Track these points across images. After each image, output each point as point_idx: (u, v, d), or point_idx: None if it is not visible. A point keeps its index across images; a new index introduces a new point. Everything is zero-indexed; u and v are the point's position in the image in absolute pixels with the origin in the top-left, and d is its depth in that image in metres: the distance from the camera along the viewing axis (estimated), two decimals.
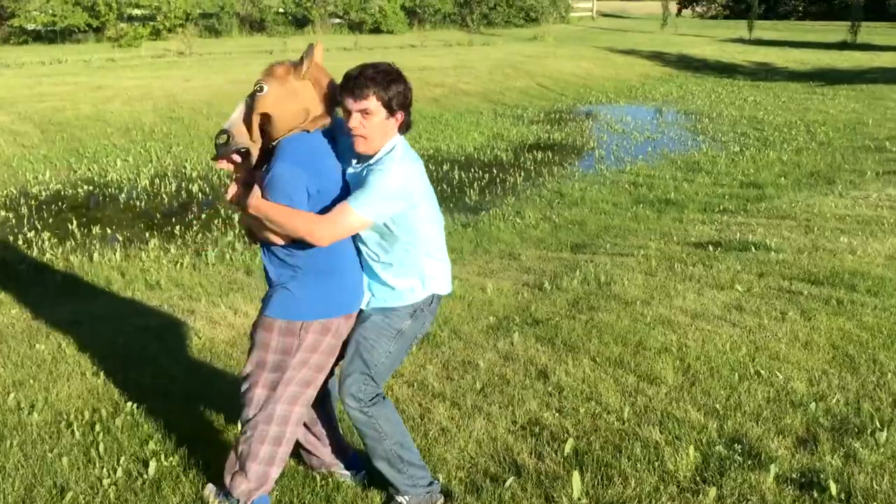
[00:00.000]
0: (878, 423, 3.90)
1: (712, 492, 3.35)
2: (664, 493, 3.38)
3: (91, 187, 11.21)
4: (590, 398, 4.25)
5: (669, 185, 11.17)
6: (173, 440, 3.90)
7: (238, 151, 3.04)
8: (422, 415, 4.14)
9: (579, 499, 3.35)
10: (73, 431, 4.03)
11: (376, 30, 33.54)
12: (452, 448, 3.80)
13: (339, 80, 3.06)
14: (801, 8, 50.08)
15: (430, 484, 3.33)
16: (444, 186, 11.15)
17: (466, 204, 10.51)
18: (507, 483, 3.47)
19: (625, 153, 13.85)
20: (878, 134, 14.86)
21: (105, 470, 3.66)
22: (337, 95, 3.03)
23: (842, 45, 32.10)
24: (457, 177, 11.77)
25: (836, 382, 4.38)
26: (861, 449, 3.66)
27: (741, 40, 34.19)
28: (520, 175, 11.97)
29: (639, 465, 3.59)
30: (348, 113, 2.99)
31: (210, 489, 3.42)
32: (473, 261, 7.64)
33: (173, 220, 9.66)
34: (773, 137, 14.96)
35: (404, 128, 3.12)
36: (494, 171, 12.26)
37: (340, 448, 3.55)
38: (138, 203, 10.50)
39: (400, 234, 3.10)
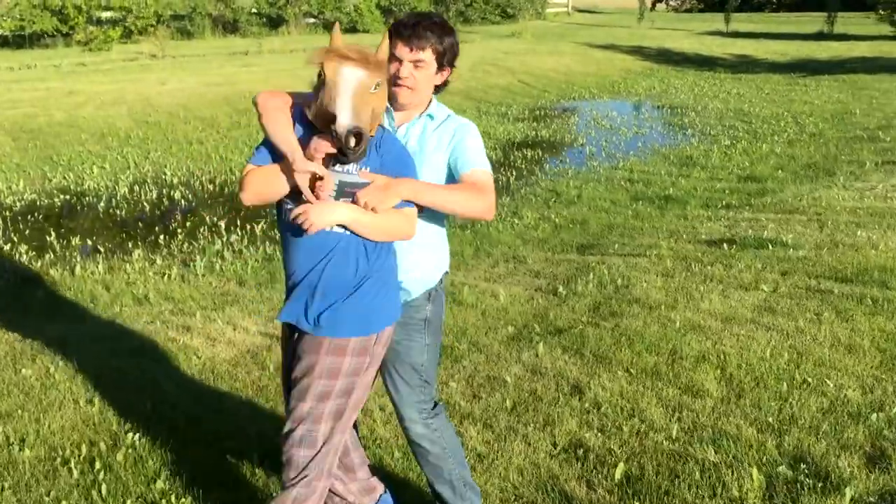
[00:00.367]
0: None
1: None
2: None
3: (68, 196, 10.75)
4: (632, 415, 3.94)
5: (666, 180, 10.92)
6: (183, 478, 3.54)
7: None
8: None
9: None
10: (70, 469, 3.66)
11: (352, 29, 33.13)
12: (492, 477, 3.47)
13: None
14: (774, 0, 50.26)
15: None
16: None
17: None
18: None
19: (615, 149, 13.59)
20: (867, 124, 14.72)
21: None
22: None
23: (819, 36, 32.18)
24: None
25: (891, 389, 4.10)
26: None
27: (719, 33, 34.19)
28: (511, 174, 11.65)
29: (700, 491, 3.28)
30: (398, 61, 2.73)
31: None
32: (477, 265, 7.32)
33: (156, 228, 9.25)
34: (763, 130, 14.78)
35: (442, 86, 2.89)
36: None
37: (369, 487, 3.07)
38: (118, 212, 10.06)
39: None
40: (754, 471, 3.34)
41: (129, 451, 3.80)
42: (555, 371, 4.49)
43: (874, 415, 3.82)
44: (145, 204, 10.35)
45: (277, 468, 3.59)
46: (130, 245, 8.56)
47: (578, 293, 5.92)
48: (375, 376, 2.84)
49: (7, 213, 9.86)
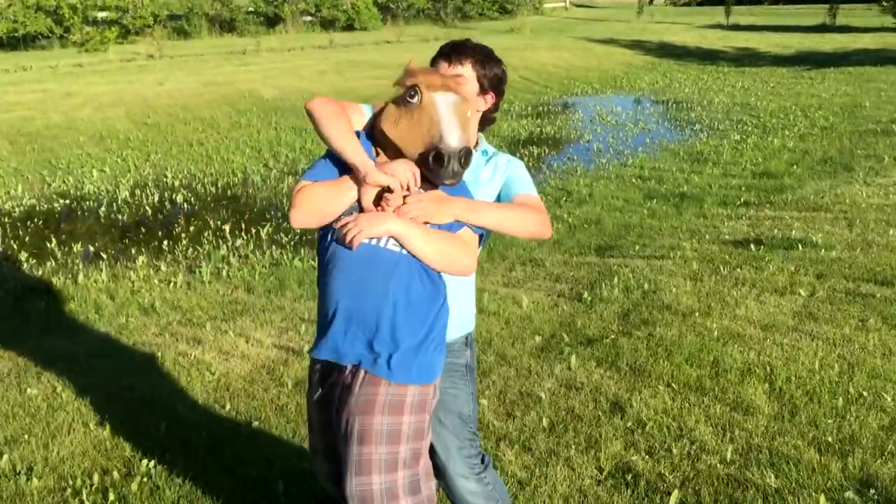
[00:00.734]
0: None
1: None
2: None
3: (68, 201, 10.48)
4: (680, 435, 3.70)
5: (678, 177, 10.67)
6: None
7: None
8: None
9: None
10: (81, 501, 3.41)
11: (349, 27, 32.84)
12: None
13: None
14: None
15: None
16: None
17: None
18: None
19: (622, 145, 13.35)
20: (880, 117, 14.49)
21: None
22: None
23: (821, 28, 31.95)
24: None
25: None
26: None
27: (720, 26, 33.94)
28: None
29: None
30: None
31: None
32: (493, 269, 7.07)
33: (160, 233, 8.99)
34: (772, 124, 14.54)
35: (488, 122, 2.73)
36: None
37: None
38: (120, 216, 9.80)
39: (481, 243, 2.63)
40: (822, 498, 3.10)
41: (145, 479, 3.56)
42: (591, 386, 4.25)
43: None
44: (147, 208, 10.09)
45: (304, 499, 3.37)
46: (133, 251, 8.31)
47: (605, 299, 5.68)
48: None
49: (6, 220, 9.60)
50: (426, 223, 2.29)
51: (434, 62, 2.66)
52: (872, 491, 3.18)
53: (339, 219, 2.30)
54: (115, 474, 3.61)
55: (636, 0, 39.98)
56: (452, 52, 2.64)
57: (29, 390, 4.60)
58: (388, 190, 2.26)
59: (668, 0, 53.84)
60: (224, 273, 7.45)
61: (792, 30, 32.14)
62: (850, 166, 10.52)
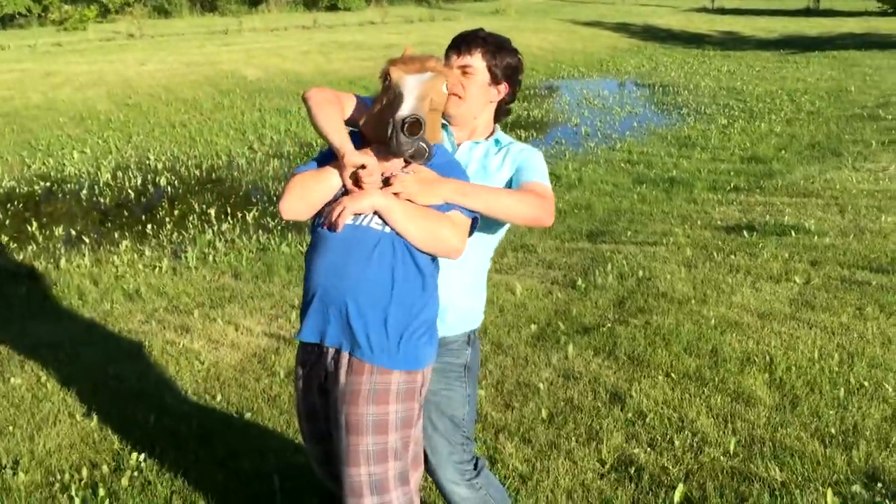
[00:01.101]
0: None
1: None
2: None
3: (48, 183, 10.29)
4: (681, 426, 3.64)
5: (667, 162, 10.62)
6: None
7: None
8: (489, 456, 3.48)
9: None
10: (70, 497, 3.31)
11: (333, 7, 32.53)
12: (539, 502, 3.16)
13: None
14: None
15: None
16: None
17: None
18: None
19: (610, 129, 13.28)
20: (865, 102, 14.50)
21: None
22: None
23: (806, 12, 31.98)
24: None
25: None
26: None
27: (704, 9, 33.88)
28: None
29: None
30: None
31: None
32: None
33: (143, 217, 8.83)
34: (759, 108, 14.52)
35: (503, 112, 2.64)
36: None
37: None
38: (102, 199, 9.63)
39: (498, 232, 2.57)
40: (829, 493, 3.05)
41: (135, 473, 3.47)
42: (589, 376, 4.18)
43: None
44: (129, 191, 9.92)
45: (299, 492, 3.29)
46: (117, 235, 8.15)
47: (599, 286, 5.62)
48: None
49: None
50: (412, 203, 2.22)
51: (447, 54, 2.57)
52: (879, 484, 3.14)
53: (327, 204, 2.26)
54: (105, 468, 3.51)
55: None
56: (462, 42, 2.55)
57: (13, 379, 4.48)
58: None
59: None
60: (210, 258, 7.32)
61: (777, 13, 32.16)
62: (838, 151, 10.49)
